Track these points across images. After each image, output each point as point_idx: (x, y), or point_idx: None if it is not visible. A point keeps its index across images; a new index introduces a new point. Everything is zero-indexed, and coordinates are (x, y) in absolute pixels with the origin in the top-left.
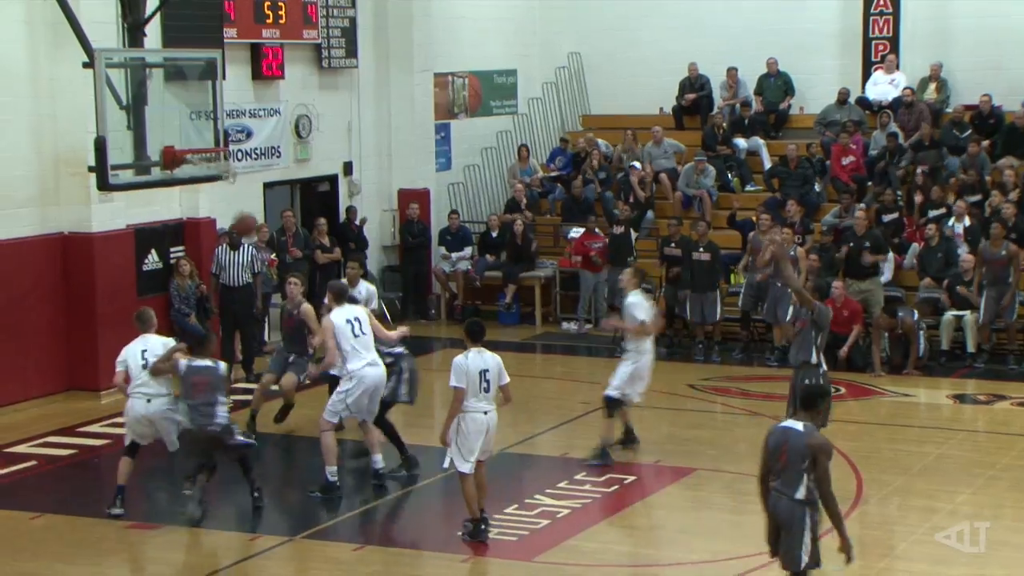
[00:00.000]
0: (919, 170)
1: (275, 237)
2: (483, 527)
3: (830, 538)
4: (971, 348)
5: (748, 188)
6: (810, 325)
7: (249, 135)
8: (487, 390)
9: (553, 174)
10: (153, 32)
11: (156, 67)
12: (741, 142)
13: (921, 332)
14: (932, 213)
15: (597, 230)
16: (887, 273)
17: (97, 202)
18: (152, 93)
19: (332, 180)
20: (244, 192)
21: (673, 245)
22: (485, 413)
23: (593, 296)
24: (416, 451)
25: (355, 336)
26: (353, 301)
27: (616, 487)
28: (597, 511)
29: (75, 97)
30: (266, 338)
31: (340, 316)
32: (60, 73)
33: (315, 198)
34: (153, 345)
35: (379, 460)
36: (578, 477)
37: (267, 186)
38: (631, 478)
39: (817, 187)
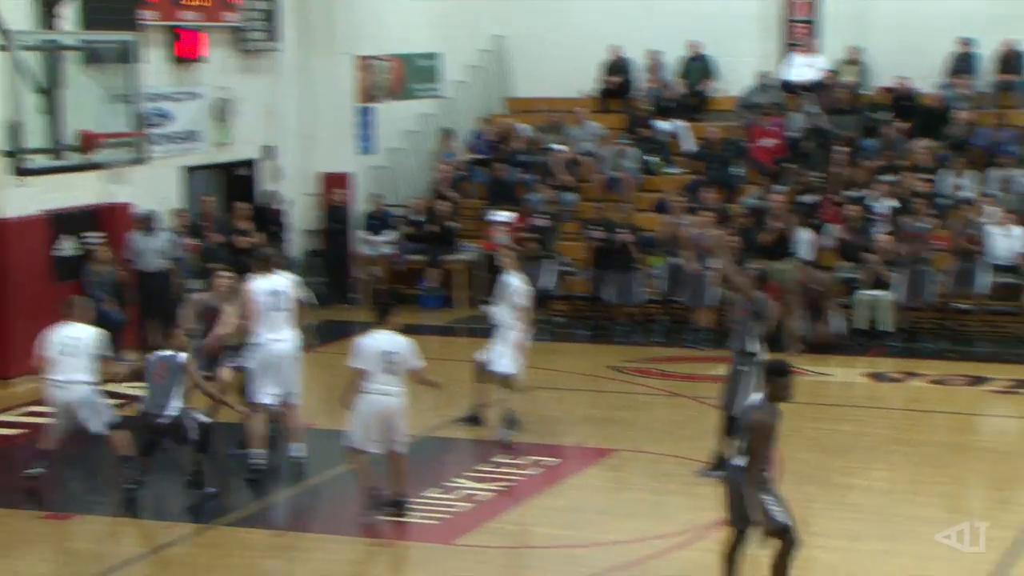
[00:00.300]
0: (835, 150)
1: (195, 222)
2: (389, 504)
3: None
4: (890, 328)
5: (668, 170)
6: (751, 315)
7: (169, 119)
8: (391, 372)
9: (474, 157)
10: (72, 15)
11: (73, 50)
12: (663, 124)
13: (840, 313)
14: (851, 193)
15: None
16: (806, 254)
17: (11, 187)
18: (69, 76)
19: (250, 164)
20: (164, 176)
21: (595, 227)
22: (386, 395)
23: None
24: (331, 436)
25: (275, 311)
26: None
27: (537, 469)
28: (518, 493)
29: None
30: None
31: (263, 285)
32: None
33: (236, 182)
34: (76, 332)
35: (299, 448)
36: (498, 459)
37: (188, 170)
38: (552, 459)
39: (739, 169)
